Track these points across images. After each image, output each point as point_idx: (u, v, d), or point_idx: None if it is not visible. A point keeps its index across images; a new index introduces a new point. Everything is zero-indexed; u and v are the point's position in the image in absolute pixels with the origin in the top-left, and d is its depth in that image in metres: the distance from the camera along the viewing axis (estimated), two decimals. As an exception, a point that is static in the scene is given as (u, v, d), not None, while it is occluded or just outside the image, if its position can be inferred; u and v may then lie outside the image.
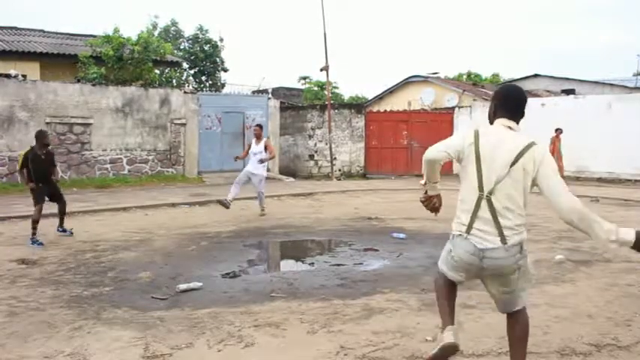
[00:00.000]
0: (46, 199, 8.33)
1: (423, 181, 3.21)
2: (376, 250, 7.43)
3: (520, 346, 3.16)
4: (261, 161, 10.49)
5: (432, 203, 3.26)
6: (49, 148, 8.54)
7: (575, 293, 5.09)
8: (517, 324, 3.20)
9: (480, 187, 2.95)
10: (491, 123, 3.14)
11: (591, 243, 7.50)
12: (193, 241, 7.92)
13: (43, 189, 8.20)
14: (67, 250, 7.23)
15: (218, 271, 6.18)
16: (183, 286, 5.34)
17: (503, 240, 2.93)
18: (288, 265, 7.06)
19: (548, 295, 5.04)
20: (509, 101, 3.16)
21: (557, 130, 16.39)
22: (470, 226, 2.95)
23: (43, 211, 8.29)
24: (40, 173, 8.09)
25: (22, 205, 11.30)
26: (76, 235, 8.39)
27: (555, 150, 16.53)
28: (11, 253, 7.02)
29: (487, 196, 2.93)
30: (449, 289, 3.23)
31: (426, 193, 3.26)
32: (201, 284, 5.45)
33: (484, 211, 2.93)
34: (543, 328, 4.11)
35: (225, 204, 10.34)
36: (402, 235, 8.27)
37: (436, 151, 3.06)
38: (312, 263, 6.83)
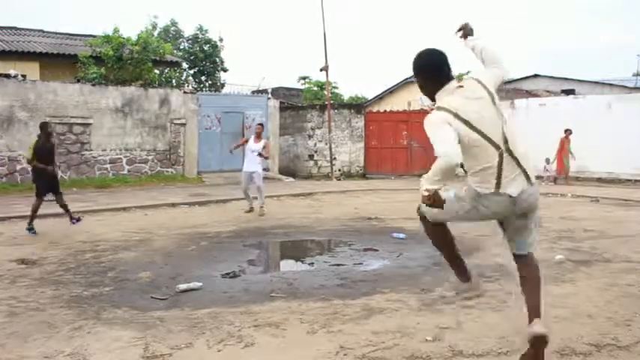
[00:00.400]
0: (48, 195, 8.71)
1: (431, 187, 2.92)
2: (376, 250, 7.43)
3: (535, 287, 3.22)
4: (260, 155, 10.55)
5: (439, 198, 3.06)
6: (52, 139, 9.05)
7: (575, 293, 5.08)
8: (532, 263, 3.30)
9: (496, 145, 3.02)
10: (433, 95, 3.15)
11: (591, 243, 7.51)
12: (193, 241, 7.92)
13: (47, 183, 8.61)
14: (66, 250, 7.23)
15: (218, 271, 6.17)
16: (183, 286, 5.34)
17: (529, 180, 3.11)
18: (288, 265, 7.06)
19: (548, 295, 5.00)
20: (439, 68, 3.17)
21: (566, 130, 16.41)
22: (499, 183, 3.03)
23: (43, 212, 8.58)
24: (45, 162, 8.53)
25: (22, 205, 11.29)
26: (76, 235, 8.38)
27: (564, 150, 16.45)
28: (11, 253, 7.02)
29: (506, 148, 3.04)
30: (448, 232, 3.41)
31: (431, 192, 2.98)
32: (201, 284, 5.45)
33: (508, 163, 3.04)
34: (543, 328, 4.10)
35: (250, 210, 10.72)
36: (401, 235, 8.27)
37: (456, 151, 2.90)
38: (312, 263, 6.83)
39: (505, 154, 3.04)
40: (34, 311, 4.64)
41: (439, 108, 3.05)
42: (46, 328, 4.22)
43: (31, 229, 8.40)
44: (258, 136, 10.81)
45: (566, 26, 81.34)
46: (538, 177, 16.09)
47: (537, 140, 17.84)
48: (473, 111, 3.03)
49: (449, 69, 3.16)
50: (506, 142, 3.06)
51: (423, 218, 3.41)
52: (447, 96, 3.09)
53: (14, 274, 5.94)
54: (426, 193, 2.94)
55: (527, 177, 3.10)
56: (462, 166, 3.00)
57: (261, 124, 11.34)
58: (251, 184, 10.81)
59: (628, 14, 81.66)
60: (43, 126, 8.81)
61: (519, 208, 3.13)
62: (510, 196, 3.07)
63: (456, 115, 2.99)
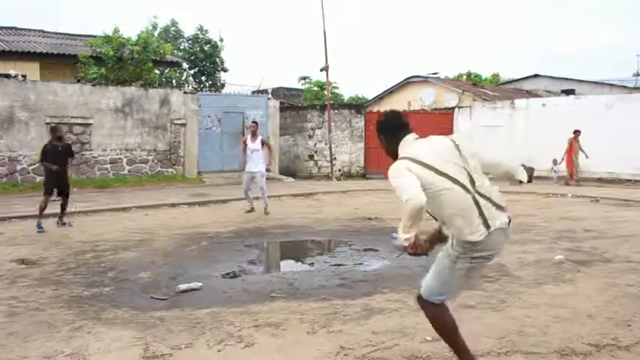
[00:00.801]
0: (55, 193, 9.12)
1: (407, 235, 2.91)
2: (376, 250, 7.43)
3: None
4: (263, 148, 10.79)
5: (424, 243, 3.05)
6: (64, 142, 9.61)
7: (574, 293, 5.08)
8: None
9: (466, 189, 2.99)
10: (394, 152, 3.18)
11: (591, 243, 7.50)
12: (193, 241, 7.92)
13: (54, 181, 9.04)
14: (67, 251, 7.23)
15: (218, 272, 6.18)
16: (183, 286, 5.34)
17: (504, 209, 3.10)
18: (288, 266, 7.06)
19: (548, 295, 5.04)
20: (396, 124, 3.26)
21: (575, 131, 16.22)
22: (486, 222, 2.98)
23: (44, 211, 8.56)
24: (58, 163, 8.98)
25: (21, 205, 11.30)
26: (75, 235, 8.39)
27: (573, 151, 16.27)
28: (11, 253, 7.02)
29: (475, 191, 3.01)
30: (452, 320, 3.22)
31: (411, 240, 2.93)
32: (201, 284, 5.45)
33: (484, 202, 3.01)
34: (543, 329, 4.11)
35: (251, 210, 10.74)
36: (401, 235, 8.26)
37: (417, 191, 2.85)
38: (312, 263, 6.83)
39: (477, 195, 2.99)
40: (34, 311, 4.64)
41: (400, 158, 3.07)
42: (46, 328, 4.22)
43: (40, 226, 8.77)
44: (254, 134, 10.84)
45: (566, 26, 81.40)
46: (548, 178, 16.13)
47: (537, 140, 17.90)
48: (433, 155, 3.02)
49: (406, 125, 3.23)
50: (473, 184, 3.01)
51: (423, 303, 3.24)
52: (407, 147, 3.12)
53: (14, 274, 5.94)
54: (406, 243, 2.92)
55: (502, 208, 3.07)
56: (427, 212, 3.00)
57: (254, 122, 11.40)
58: (252, 184, 10.81)
59: (628, 14, 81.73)
60: (53, 130, 9.46)
61: (504, 244, 3.13)
62: (504, 230, 3.04)
63: (415, 160, 2.98)
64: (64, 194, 9.18)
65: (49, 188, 9.02)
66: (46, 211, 8.99)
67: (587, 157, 16.16)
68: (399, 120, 3.26)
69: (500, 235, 3.04)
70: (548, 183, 16.00)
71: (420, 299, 3.26)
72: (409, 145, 3.13)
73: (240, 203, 11.45)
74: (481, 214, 2.97)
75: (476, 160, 3.09)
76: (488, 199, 3.03)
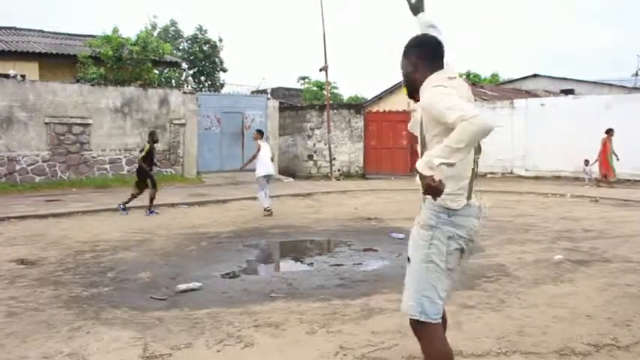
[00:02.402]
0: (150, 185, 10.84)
1: (449, 160, 2.35)
2: (375, 251, 7.43)
3: None
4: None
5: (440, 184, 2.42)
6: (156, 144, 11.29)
7: (574, 293, 5.09)
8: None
9: (476, 150, 2.62)
10: (418, 82, 2.69)
11: (591, 243, 7.51)
12: (193, 242, 7.92)
13: (146, 176, 10.82)
14: (66, 251, 7.23)
15: (217, 272, 6.17)
16: (182, 287, 5.34)
17: (475, 193, 2.71)
18: (287, 266, 7.05)
19: (547, 295, 5.04)
20: (440, 51, 2.74)
21: (608, 131, 15.55)
22: (470, 192, 2.63)
23: (41, 212, 8.63)
24: (152, 163, 10.92)
25: (21, 205, 11.30)
26: (75, 235, 8.39)
27: (607, 151, 15.67)
28: (10, 254, 7.01)
29: (476, 158, 2.68)
30: (448, 346, 2.68)
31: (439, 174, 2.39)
32: (200, 284, 5.45)
33: (473, 173, 2.67)
34: (542, 329, 4.11)
35: (269, 212, 10.60)
36: (401, 235, 8.26)
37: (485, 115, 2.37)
38: (312, 263, 6.83)
39: (475, 165, 2.68)
40: (33, 311, 4.64)
41: (436, 85, 2.57)
42: (45, 328, 4.21)
43: (124, 208, 10.77)
44: (256, 140, 11.09)
45: (566, 26, 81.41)
46: (580, 179, 15.85)
47: (536, 140, 17.92)
48: (467, 99, 2.64)
49: (443, 57, 2.76)
50: (479, 150, 2.69)
51: (421, 329, 2.64)
52: (439, 81, 2.61)
53: (13, 275, 5.94)
54: (436, 173, 2.35)
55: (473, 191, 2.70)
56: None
57: (257, 131, 11.52)
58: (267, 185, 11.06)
59: (628, 14, 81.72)
60: (151, 134, 11.19)
61: (479, 230, 2.71)
62: (479, 208, 2.68)
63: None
64: (153, 188, 10.82)
65: (141, 183, 10.85)
66: (45, 212, 8.99)
67: (617, 159, 15.84)
68: (440, 45, 2.77)
69: (477, 212, 2.66)
70: (579, 184, 15.83)
71: (415, 325, 2.65)
72: (442, 80, 2.61)
73: (240, 203, 11.47)
74: (470, 183, 2.63)
75: None
76: (476, 173, 2.69)
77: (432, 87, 2.57)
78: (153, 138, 11.07)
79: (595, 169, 16.13)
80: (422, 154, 2.63)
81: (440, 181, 2.36)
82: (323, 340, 3.92)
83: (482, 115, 2.34)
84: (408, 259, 2.70)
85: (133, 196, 10.89)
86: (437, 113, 2.47)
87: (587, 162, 16.21)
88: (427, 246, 2.60)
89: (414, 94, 2.76)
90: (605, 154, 15.84)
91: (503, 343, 3.79)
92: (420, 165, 2.40)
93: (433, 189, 2.37)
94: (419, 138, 2.76)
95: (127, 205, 10.86)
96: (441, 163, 2.34)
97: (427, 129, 2.62)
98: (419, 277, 2.63)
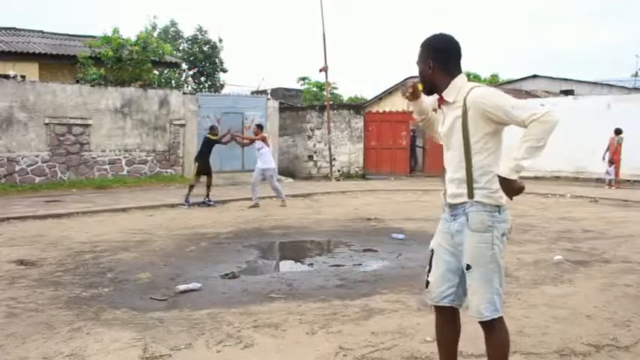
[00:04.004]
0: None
1: (532, 160, 2.43)
2: (375, 251, 7.43)
3: None
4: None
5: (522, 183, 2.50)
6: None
7: (573, 294, 5.09)
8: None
9: None
10: (438, 85, 2.73)
11: (590, 244, 7.51)
12: (192, 242, 7.92)
13: (203, 168, 12.10)
14: (66, 251, 7.23)
15: (217, 272, 6.17)
16: (182, 287, 5.34)
17: None
18: (287, 266, 7.05)
19: (547, 295, 5.04)
20: (460, 52, 2.77)
21: (619, 131, 15.48)
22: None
23: (41, 212, 8.65)
24: (207, 153, 12.22)
25: (21, 206, 11.30)
26: (75, 235, 8.39)
27: (619, 152, 15.64)
28: (10, 254, 7.01)
29: None
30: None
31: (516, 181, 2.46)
32: (200, 285, 5.45)
33: None
34: (542, 329, 4.11)
35: (256, 206, 11.53)
36: (401, 236, 8.27)
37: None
38: (312, 264, 6.83)
39: None
40: (33, 312, 4.64)
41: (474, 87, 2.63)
42: (45, 329, 4.21)
43: (187, 201, 11.73)
44: (256, 135, 11.97)
45: (566, 26, 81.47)
46: (599, 180, 15.71)
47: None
48: None
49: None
50: None
51: (499, 326, 2.72)
52: (466, 82, 2.70)
53: (13, 275, 5.94)
54: (519, 173, 2.42)
55: None
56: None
57: (257, 126, 12.51)
58: (265, 181, 11.75)
59: (628, 14, 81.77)
60: (212, 127, 12.73)
61: None
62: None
63: None
64: (208, 175, 12.03)
65: (198, 172, 12.03)
66: (45, 212, 8.99)
67: (603, 159, 15.83)
68: (458, 51, 2.77)
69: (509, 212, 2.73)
70: (600, 186, 15.69)
71: (489, 323, 2.70)
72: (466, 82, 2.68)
73: (240, 204, 11.47)
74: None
75: None
76: None
77: (477, 86, 2.62)
78: (213, 132, 12.46)
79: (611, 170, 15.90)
80: (447, 155, 2.73)
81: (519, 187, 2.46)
82: (323, 341, 3.92)
83: (550, 110, 2.45)
84: (468, 266, 2.68)
85: (192, 187, 11.86)
86: (500, 113, 2.51)
87: (610, 162, 15.82)
88: (490, 247, 2.62)
89: (432, 92, 2.79)
90: (617, 155, 15.63)
91: (502, 344, 3.78)
92: (505, 171, 2.47)
93: (520, 190, 2.48)
94: (443, 138, 2.76)
95: (189, 199, 11.78)
96: (526, 165, 2.43)
97: (475, 129, 2.61)
98: (488, 280, 2.65)
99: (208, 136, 12.35)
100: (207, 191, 12.03)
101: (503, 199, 2.61)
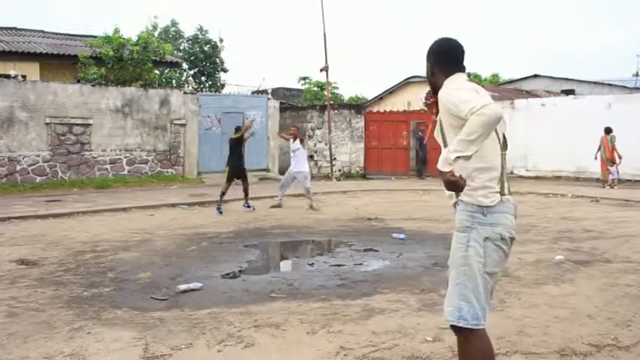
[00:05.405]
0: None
1: (465, 153, 2.39)
2: (376, 251, 7.43)
3: None
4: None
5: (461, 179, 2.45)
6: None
7: (574, 293, 5.09)
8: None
9: (500, 145, 2.66)
10: (437, 82, 2.75)
11: (591, 243, 7.51)
12: (193, 242, 7.92)
13: (234, 172, 11.16)
14: (66, 251, 7.23)
15: (218, 272, 6.17)
16: (183, 287, 5.34)
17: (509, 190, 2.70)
18: (287, 266, 7.06)
19: (548, 295, 5.04)
20: (452, 56, 2.78)
21: (608, 130, 15.45)
22: (503, 187, 2.61)
23: (42, 212, 8.65)
24: (237, 154, 11.32)
25: (22, 205, 11.30)
26: (75, 235, 8.39)
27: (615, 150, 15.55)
28: (11, 254, 7.01)
29: (504, 153, 2.69)
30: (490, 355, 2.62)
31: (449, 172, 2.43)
32: (201, 285, 5.45)
33: (502, 168, 2.66)
34: (543, 329, 4.11)
35: (278, 206, 11.62)
36: (401, 236, 8.27)
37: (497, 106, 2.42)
38: (312, 264, 6.82)
39: (503, 160, 2.67)
40: (33, 312, 4.64)
41: (455, 83, 2.67)
42: (45, 328, 4.22)
43: (219, 208, 10.80)
44: (295, 137, 11.81)
45: (566, 26, 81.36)
46: (600, 180, 15.72)
47: (536, 140, 17.90)
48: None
49: (461, 61, 2.81)
50: (505, 146, 2.71)
51: (463, 334, 2.59)
52: (456, 84, 2.70)
53: (14, 275, 5.94)
54: (453, 167, 2.39)
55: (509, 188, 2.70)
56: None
57: (294, 126, 12.66)
58: (295, 182, 11.75)
59: (628, 14, 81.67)
60: (238, 129, 11.83)
61: (515, 228, 2.69)
62: (514, 205, 2.66)
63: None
64: (244, 180, 11.16)
65: (231, 176, 11.11)
66: (45, 212, 9.00)
67: (595, 158, 15.91)
68: (455, 52, 2.79)
69: (512, 209, 2.64)
70: (600, 186, 15.63)
71: (461, 332, 2.58)
72: (459, 83, 2.68)
73: (241, 203, 11.46)
74: (501, 177, 2.62)
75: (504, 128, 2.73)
76: (505, 169, 2.68)
77: (448, 84, 2.68)
78: (238, 132, 11.69)
79: (614, 170, 15.87)
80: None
81: (460, 176, 2.40)
82: (323, 341, 3.92)
83: (491, 104, 2.38)
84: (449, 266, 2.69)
85: (223, 193, 11.06)
86: (452, 107, 2.52)
87: (619, 160, 15.66)
88: (464, 249, 2.57)
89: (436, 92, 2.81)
90: (614, 154, 15.60)
91: (503, 343, 3.79)
92: (438, 163, 2.46)
93: (453, 184, 2.41)
94: (442, 142, 2.76)
95: (220, 205, 10.97)
96: (458, 157, 2.38)
97: (447, 126, 2.65)
98: (457, 283, 2.58)
99: (232, 137, 11.53)
100: (245, 197, 11.23)
101: (490, 199, 2.56)
